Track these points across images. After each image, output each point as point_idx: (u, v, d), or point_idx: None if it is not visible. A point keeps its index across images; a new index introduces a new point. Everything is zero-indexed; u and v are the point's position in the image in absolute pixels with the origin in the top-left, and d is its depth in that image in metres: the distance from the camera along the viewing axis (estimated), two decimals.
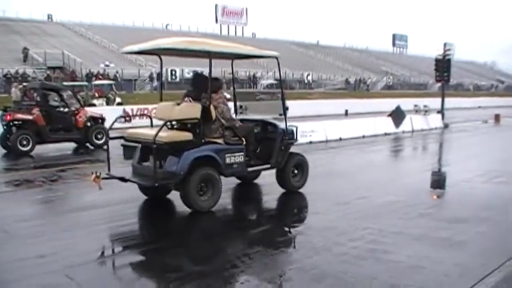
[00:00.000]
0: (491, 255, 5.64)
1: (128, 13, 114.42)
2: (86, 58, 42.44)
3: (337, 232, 6.50)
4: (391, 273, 5.08)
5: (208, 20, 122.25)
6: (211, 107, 7.49)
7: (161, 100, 8.50)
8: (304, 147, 11.92)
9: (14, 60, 39.23)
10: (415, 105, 24.54)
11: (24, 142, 13.79)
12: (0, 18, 52.68)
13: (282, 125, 8.66)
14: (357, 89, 55.94)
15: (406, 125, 21.08)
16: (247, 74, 46.43)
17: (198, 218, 7.29)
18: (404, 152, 16.50)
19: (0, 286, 4.88)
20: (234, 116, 8.50)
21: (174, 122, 7.75)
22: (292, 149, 8.99)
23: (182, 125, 7.62)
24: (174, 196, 7.86)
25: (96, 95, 27.64)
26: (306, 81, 54.43)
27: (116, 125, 8.28)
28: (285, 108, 8.58)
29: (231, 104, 8.44)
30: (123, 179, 7.62)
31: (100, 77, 36.52)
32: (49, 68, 37.71)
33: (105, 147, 14.79)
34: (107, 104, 26.56)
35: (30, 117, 14.14)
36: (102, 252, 5.89)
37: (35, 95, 15.80)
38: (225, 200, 8.18)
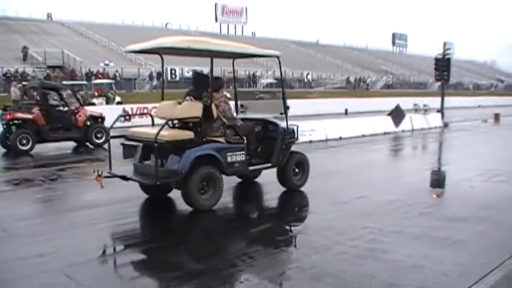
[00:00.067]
0: (490, 254, 5.65)
1: (127, 12, 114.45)
2: (85, 57, 42.45)
3: (337, 231, 6.50)
4: (390, 272, 5.08)
5: (208, 19, 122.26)
6: (213, 105, 7.51)
7: (162, 99, 8.51)
8: (304, 147, 11.91)
9: (14, 59, 39.22)
10: (415, 105, 24.52)
11: (24, 141, 13.80)
12: (0, 17, 52.63)
13: (283, 124, 8.67)
14: (356, 88, 55.93)
15: (405, 124, 21.08)
16: (247, 73, 46.43)
17: (199, 217, 7.29)
18: (404, 151, 16.50)
19: (0, 285, 4.88)
20: (235, 115, 8.51)
21: (175, 121, 7.76)
22: (293, 148, 8.99)
23: (183, 123, 7.64)
24: (175, 195, 7.87)
25: (96, 94, 27.62)
26: (305, 80, 54.48)
27: (116, 124, 8.28)
28: (286, 108, 8.59)
29: (232, 103, 8.44)
30: (124, 178, 7.64)
31: (100, 76, 36.53)
32: (49, 67, 37.73)
33: (105, 146, 14.95)
34: (107, 103, 26.54)
35: (30, 116, 14.14)
36: (102, 251, 5.90)
37: (35, 94, 15.79)
38: (226, 199, 8.18)
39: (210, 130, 7.56)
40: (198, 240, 6.57)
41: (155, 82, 40.15)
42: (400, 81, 67.72)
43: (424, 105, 23.81)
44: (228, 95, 11.98)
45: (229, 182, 8.63)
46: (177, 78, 40.96)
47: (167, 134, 7.18)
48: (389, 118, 20.72)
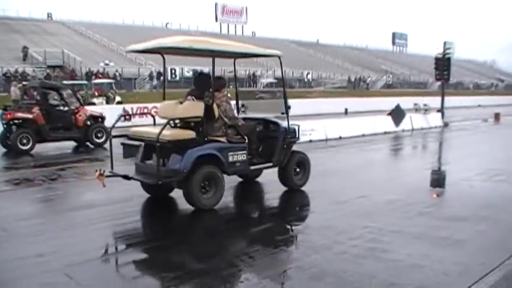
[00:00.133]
0: (491, 253, 5.65)
1: (127, 12, 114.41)
2: (85, 57, 42.47)
3: (337, 231, 6.50)
4: (390, 271, 5.08)
5: (208, 18, 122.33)
6: (214, 105, 7.52)
7: (164, 99, 8.52)
8: (304, 146, 11.89)
9: (14, 59, 39.24)
10: (415, 104, 24.50)
11: (24, 141, 13.80)
12: (0, 17, 52.64)
13: (284, 123, 8.68)
14: (356, 87, 55.92)
15: (405, 124, 21.07)
16: (247, 72, 46.42)
17: (201, 216, 7.31)
18: (404, 151, 16.50)
19: (0, 285, 4.89)
20: (236, 114, 8.52)
21: (177, 121, 7.77)
22: (294, 148, 9.01)
23: (185, 123, 7.66)
24: (177, 194, 7.88)
25: (96, 93, 27.62)
26: (305, 80, 54.51)
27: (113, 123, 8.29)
28: (287, 107, 8.60)
29: (232, 103, 8.46)
30: (126, 177, 7.65)
31: (100, 75, 36.54)
32: (49, 66, 37.75)
33: (106, 146, 14.97)
34: (107, 102, 26.54)
35: (30, 116, 14.14)
36: (102, 251, 5.89)
37: (35, 93, 15.79)
38: (227, 198, 8.19)
39: (212, 130, 7.57)
40: (199, 239, 6.57)
41: (155, 82, 40.18)
42: (400, 81, 67.73)
43: (424, 105, 23.78)
44: (229, 94, 11.98)
45: (231, 181, 8.64)
46: (177, 78, 40.96)
47: (169, 133, 7.20)
48: (389, 118, 20.72)
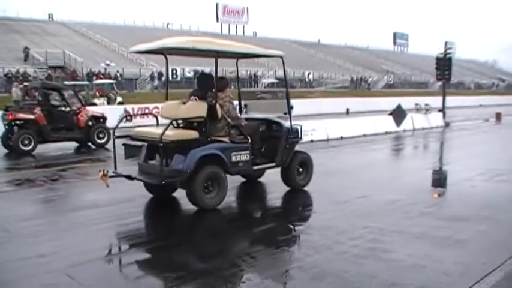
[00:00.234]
0: (492, 254, 5.64)
1: (128, 12, 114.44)
2: (86, 57, 42.52)
3: (338, 231, 6.51)
4: (391, 272, 5.08)
5: (209, 18, 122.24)
6: (217, 105, 7.53)
7: (167, 99, 8.53)
8: (306, 146, 11.89)
9: (15, 59, 39.30)
10: (416, 104, 24.49)
11: (26, 142, 13.82)
12: (0, 18, 52.74)
13: (286, 123, 8.69)
14: (357, 87, 55.91)
15: (407, 124, 21.07)
16: (248, 73, 46.43)
17: (204, 216, 7.32)
18: (405, 151, 16.50)
19: (1, 285, 4.89)
20: (239, 114, 8.53)
21: (180, 121, 7.79)
22: (296, 148, 9.02)
23: (188, 123, 7.67)
24: (180, 194, 7.90)
25: (97, 94, 27.63)
26: (306, 80, 54.48)
27: (116, 124, 8.31)
28: (290, 107, 8.61)
29: (235, 103, 8.47)
30: (129, 177, 7.67)
31: (101, 76, 36.55)
32: (50, 67, 37.80)
33: (107, 146, 14.99)
34: (108, 103, 26.55)
35: (31, 116, 14.16)
36: (104, 251, 5.89)
37: (37, 94, 15.81)
38: (230, 198, 8.21)
39: (215, 130, 7.59)
40: (202, 239, 6.58)
41: (156, 82, 40.18)
42: (401, 81, 67.69)
43: (426, 105, 23.78)
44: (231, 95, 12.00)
45: (233, 181, 8.65)
46: (179, 79, 41.00)
47: (172, 133, 7.22)
48: (390, 118, 20.72)
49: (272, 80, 46.72)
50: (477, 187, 9.45)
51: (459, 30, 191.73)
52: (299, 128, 8.96)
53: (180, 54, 8.99)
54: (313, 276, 5.00)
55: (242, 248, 6.15)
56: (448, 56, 24.33)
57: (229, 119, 7.77)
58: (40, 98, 15.00)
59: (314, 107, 30.02)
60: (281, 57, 8.76)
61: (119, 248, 6.27)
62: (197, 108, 7.46)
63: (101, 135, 15.42)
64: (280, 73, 46.26)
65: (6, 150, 14.22)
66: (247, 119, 8.57)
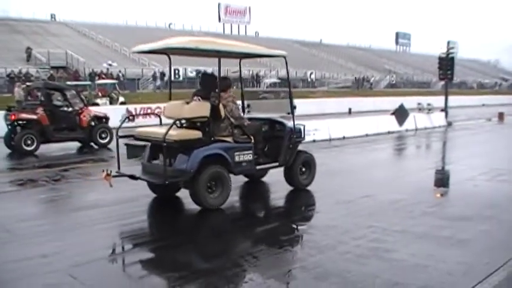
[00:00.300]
0: (495, 253, 5.63)
1: (130, 12, 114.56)
2: (89, 58, 42.60)
3: (341, 231, 6.50)
4: (394, 271, 5.08)
5: (211, 19, 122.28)
6: (221, 105, 7.54)
7: (170, 99, 8.55)
8: (308, 146, 11.88)
9: (17, 60, 39.38)
10: (419, 104, 24.43)
11: (29, 142, 13.83)
12: (3, 18, 52.91)
13: (289, 123, 8.69)
14: (360, 87, 55.89)
15: (409, 123, 21.03)
16: (251, 73, 46.45)
17: (207, 216, 7.33)
18: (407, 151, 16.47)
19: (4, 285, 4.90)
20: (242, 114, 8.54)
21: (183, 121, 7.79)
22: (299, 147, 9.03)
23: (191, 123, 7.68)
24: (183, 194, 7.91)
25: (100, 94, 27.65)
26: (309, 79, 54.47)
27: (118, 124, 8.31)
28: (293, 107, 8.63)
29: (238, 103, 8.48)
30: (133, 177, 7.68)
31: (103, 76, 36.63)
32: (52, 67, 37.89)
33: (110, 146, 15.01)
34: (110, 103, 26.56)
35: (34, 116, 14.17)
36: (107, 251, 5.89)
37: (39, 94, 15.82)
38: (233, 198, 8.21)
39: (218, 130, 7.61)
40: (205, 239, 6.59)
41: (158, 82, 40.23)
42: (403, 81, 67.66)
43: (428, 104, 23.73)
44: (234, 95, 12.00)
45: (237, 181, 8.65)
46: (181, 79, 40.99)
47: (175, 133, 7.23)
48: (393, 117, 20.68)
49: (274, 80, 46.74)
50: (480, 187, 9.43)
51: (460, 30, 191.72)
52: (302, 127, 8.98)
53: (183, 54, 9.01)
54: (316, 276, 4.99)
55: (245, 247, 6.15)
56: (450, 55, 24.29)
57: (232, 119, 7.78)
58: (43, 98, 15.01)
59: (316, 106, 30.00)
60: (284, 57, 8.77)
61: (122, 247, 6.28)
62: (200, 108, 7.47)
63: (103, 135, 15.43)
64: (283, 73, 46.30)
65: (9, 150, 14.23)
66: (250, 119, 8.57)
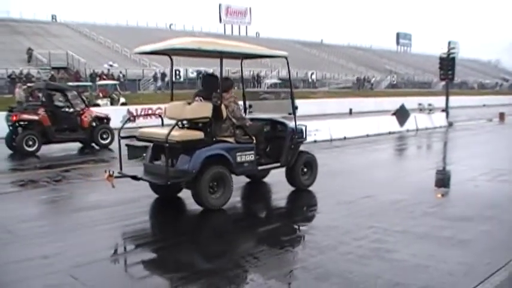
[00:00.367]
0: (496, 253, 5.63)
1: (131, 13, 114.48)
2: (90, 58, 42.61)
3: (342, 231, 6.51)
4: (395, 272, 5.08)
5: (212, 19, 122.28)
6: (222, 106, 7.55)
7: (172, 100, 8.56)
8: (309, 147, 11.89)
9: (18, 60, 39.41)
10: (419, 104, 24.44)
11: (30, 142, 13.86)
12: (4, 19, 52.94)
13: (291, 124, 8.70)
14: (361, 87, 55.89)
15: (410, 124, 21.03)
16: (251, 73, 46.46)
17: (209, 216, 7.34)
18: (408, 151, 16.47)
19: (5, 286, 4.90)
20: (244, 115, 8.55)
21: (185, 121, 7.80)
22: (300, 148, 9.03)
23: (193, 124, 7.68)
24: (185, 195, 7.92)
25: (101, 95, 27.70)
26: (310, 80, 54.45)
27: (119, 124, 8.32)
28: (295, 108, 8.63)
29: (240, 103, 8.49)
30: (135, 178, 7.69)
31: (104, 77, 36.65)
32: (53, 68, 37.91)
33: (111, 147, 15.03)
34: (111, 104, 26.61)
35: (35, 117, 14.19)
36: (108, 252, 5.89)
37: (40, 95, 15.85)
38: (235, 198, 8.22)
39: (220, 130, 7.62)
40: (207, 239, 6.60)
41: (159, 83, 40.26)
42: (404, 81, 67.65)
43: (429, 105, 23.74)
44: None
45: (238, 182, 8.66)
46: (182, 79, 41.01)
47: (177, 134, 7.24)
48: (393, 118, 20.68)
49: (275, 80, 46.78)
50: (481, 187, 9.43)
51: (461, 30, 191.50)
52: (304, 128, 8.98)
53: (184, 54, 9.03)
54: (317, 276, 5.00)
55: (246, 248, 6.15)
56: (451, 55, 24.29)
57: (234, 120, 7.78)
58: (44, 99, 15.03)
59: (317, 107, 30.02)
60: (285, 58, 8.78)
61: (124, 248, 6.27)
62: (202, 109, 7.49)
63: (104, 136, 15.45)
64: (283, 73, 46.32)
65: (10, 151, 14.26)
66: (252, 120, 8.58)
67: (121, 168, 7.95)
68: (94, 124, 15.42)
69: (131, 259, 5.74)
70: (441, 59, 24.49)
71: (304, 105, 24.82)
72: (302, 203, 8.49)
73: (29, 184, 10.12)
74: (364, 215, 7.31)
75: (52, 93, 15.58)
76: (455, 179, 10.52)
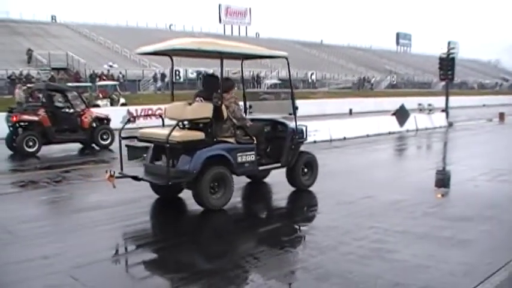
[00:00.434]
0: (496, 253, 5.64)
1: (131, 14, 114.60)
2: (89, 59, 42.60)
3: (342, 231, 6.51)
4: (396, 272, 5.08)
5: (212, 20, 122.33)
6: (223, 106, 7.55)
7: (172, 100, 8.57)
8: (309, 147, 11.89)
9: (18, 61, 39.41)
10: (419, 104, 24.44)
11: (30, 143, 13.86)
12: (4, 20, 52.94)
13: (291, 124, 8.71)
14: (360, 88, 55.89)
15: (410, 124, 21.03)
16: (251, 73, 46.46)
17: (210, 217, 7.34)
18: (408, 151, 16.47)
19: (5, 287, 4.91)
20: (244, 115, 8.55)
21: (185, 122, 7.81)
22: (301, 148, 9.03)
23: (194, 124, 7.69)
24: (186, 195, 7.93)
25: (100, 95, 27.70)
26: (309, 80, 54.45)
27: (119, 125, 8.33)
28: (295, 108, 8.64)
29: (241, 104, 8.50)
30: (136, 178, 7.69)
31: (104, 77, 36.64)
32: (53, 69, 37.92)
33: (111, 147, 15.03)
34: (111, 104, 26.61)
35: (36, 118, 14.19)
36: (108, 252, 5.89)
37: (41, 96, 15.85)
38: (236, 199, 8.22)
39: (220, 131, 7.62)
40: (208, 240, 6.61)
41: (159, 83, 40.26)
42: (404, 81, 67.65)
43: (429, 105, 23.74)
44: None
45: (239, 182, 8.67)
46: (181, 80, 41.01)
47: (178, 134, 7.24)
48: (393, 118, 20.68)
49: (275, 81, 46.78)
50: (480, 187, 9.43)
51: (461, 30, 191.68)
52: (304, 128, 8.99)
53: (185, 55, 9.03)
54: (317, 277, 5.00)
55: (247, 248, 6.15)
56: (451, 55, 24.29)
57: (234, 120, 7.79)
58: (44, 100, 15.04)
59: (317, 107, 30.02)
60: (286, 58, 8.78)
61: (124, 248, 6.28)
62: (203, 109, 7.49)
63: (105, 137, 15.45)
64: (283, 74, 46.31)
65: (10, 152, 14.26)
66: (252, 120, 8.58)
67: (122, 169, 7.96)
68: (94, 125, 15.42)
69: (132, 260, 5.75)
70: (441, 59, 24.49)
71: (304, 106, 24.78)
72: (302, 203, 8.49)
73: (29, 185, 10.12)
74: (365, 215, 7.31)
75: (52, 93, 15.58)
76: (455, 179, 10.53)
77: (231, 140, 7.70)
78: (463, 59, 76.98)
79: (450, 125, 23.45)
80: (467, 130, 22.24)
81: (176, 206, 8.13)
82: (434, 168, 11.98)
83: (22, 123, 14.19)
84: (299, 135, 8.79)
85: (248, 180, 9.50)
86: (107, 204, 8.02)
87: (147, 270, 5.44)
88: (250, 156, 7.88)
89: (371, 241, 6.07)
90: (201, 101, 7.74)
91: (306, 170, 9.01)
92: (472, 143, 17.52)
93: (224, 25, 73.69)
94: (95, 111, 16.72)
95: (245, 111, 9.02)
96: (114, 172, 7.46)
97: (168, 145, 6.98)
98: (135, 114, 21.61)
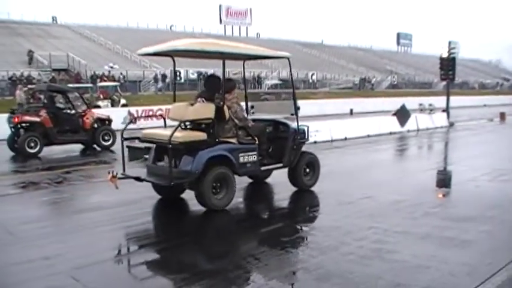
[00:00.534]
0: (497, 254, 5.63)
1: (132, 15, 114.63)
2: (90, 60, 42.63)
3: (343, 232, 6.51)
4: (396, 272, 5.08)
5: (213, 20, 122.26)
6: (225, 107, 7.57)
7: (174, 101, 8.58)
8: (310, 147, 11.89)
9: (19, 62, 39.44)
10: (420, 104, 24.44)
11: (32, 144, 13.89)
12: (5, 21, 52.95)
13: (293, 124, 8.72)
14: (361, 88, 55.87)
15: (411, 124, 21.03)
16: (252, 74, 46.45)
17: (212, 217, 7.35)
18: (409, 151, 16.46)
19: None
20: (246, 116, 8.56)
21: (187, 122, 7.83)
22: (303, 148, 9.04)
23: (196, 125, 7.70)
24: (188, 196, 7.95)
25: (101, 96, 27.72)
26: (310, 81, 54.43)
27: (120, 126, 8.33)
28: (297, 108, 8.65)
29: (242, 104, 8.51)
30: (138, 179, 7.70)
31: (105, 78, 36.65)
32: (54, 70, 37.94)
33: (113, 148, 15.04)
34: (112, 105, 26.63)
35: (37, 119, 14.22)
36: (109, 253, 5.89)
37: (42, 97, 15.86)
38: (238, 199, 8.24)
39: (222, 131, 7.63)
40: (210, 240, 6.62)
41: (160, 84, 40.25)
42: (405, 81, 67.62)
43: (430, 105, 23.73)
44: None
45: (241, 182, 8.67)
46: (182, 80, 41.02)
47: (181, 135, 7.25)
48: (394, 118, 20.67)
49: (276, 81, 46.77)
50: (482, 187, 9.43)
51: (461, 30, 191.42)
52: (306, 128, 9.00)
53: (187, 56, 9.04)
54: (318, 277, 5.00)
55: (248, 249, 6.15)
56: (451, 55, 24.29)
57: (236, 120, 7.81)
58: (46, 101, 15.07)
59: (318, 108, 30.04)
60: (288, 59, 8.79)
61: (126, 249, 6.29)
62: (205, 110, 7.50)
63: (106, 138, 15.47)
64: (284, 74, 46.30)
65: (12, 153, 14.28)
66: (254, 120, 8.59)
67: (124, 170, 7.96)
68: (96, 126, 15.44)
69: (133, 260, 5.75)
70: (441, 59, 24.49)
71: (304, 106, 24.80)
72: (304, 204, 8.50)
73: (31, 186, 10.13)
74: (366, 215, 7.31)
75: (54, 94, 15.62)
76: (456, 179, 10.53)
77: (233, 140, 7.71)
78: (463, 59, 76.93)
79: (451, 125, 23.44)
80: (468, 130, 22.23)
81: (178, 206, 8.14)
82: (436, 169, 11.98)
83: (24, 124, 14.22)
84: (301, 135, 8.80)
85: (250, 180, 9.51)
86: (108, 205, 8.03)
87: (149, 271, 5.44)
88: (252, 157, 7.89)
89: (372, 241, 6.07)
90: (203, 101, 7.75)
91: (307, 170, 9.02)
92: (473, 143, 17.52)
93: (225, 26, 73.68)
94: (97, 112, 16.73)
95: (247, 112, 9.03)
96: (117, 173, 7.47)
97: (170, 146, 6.98)
98: (135, 115, 21.62)
